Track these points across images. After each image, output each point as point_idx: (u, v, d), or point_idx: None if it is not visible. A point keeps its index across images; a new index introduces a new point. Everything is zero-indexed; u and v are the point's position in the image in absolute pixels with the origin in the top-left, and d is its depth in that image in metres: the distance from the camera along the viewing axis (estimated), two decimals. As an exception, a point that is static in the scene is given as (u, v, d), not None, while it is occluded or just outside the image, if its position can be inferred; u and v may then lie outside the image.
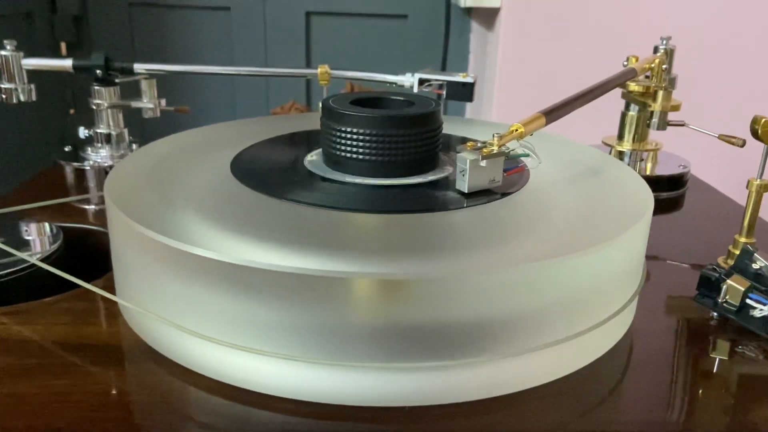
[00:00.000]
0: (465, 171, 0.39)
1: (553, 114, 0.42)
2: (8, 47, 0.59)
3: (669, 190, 0.64)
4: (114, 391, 0.33)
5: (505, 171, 0.40)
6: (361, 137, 0.40)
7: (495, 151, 0.39)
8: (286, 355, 0.32)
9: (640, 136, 0.64)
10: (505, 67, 1.23)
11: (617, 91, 0.62)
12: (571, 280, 0.33)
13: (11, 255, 0.43)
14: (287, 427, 0.31)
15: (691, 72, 0.77)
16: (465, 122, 0.59)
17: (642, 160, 0.65)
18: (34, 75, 0.61)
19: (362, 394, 0.32)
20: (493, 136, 0.39)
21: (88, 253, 0.52)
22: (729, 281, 0.40)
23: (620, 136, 0.65)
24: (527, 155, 0.41)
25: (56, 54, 1.42)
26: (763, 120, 0.43)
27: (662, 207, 0.62)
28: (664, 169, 0.65)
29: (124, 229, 0.36)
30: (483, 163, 0.39)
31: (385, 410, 0.32)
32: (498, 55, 1.22)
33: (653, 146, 0.64)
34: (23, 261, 0.43)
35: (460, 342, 0.32)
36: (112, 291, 0.40)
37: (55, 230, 0.49)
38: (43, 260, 0.44)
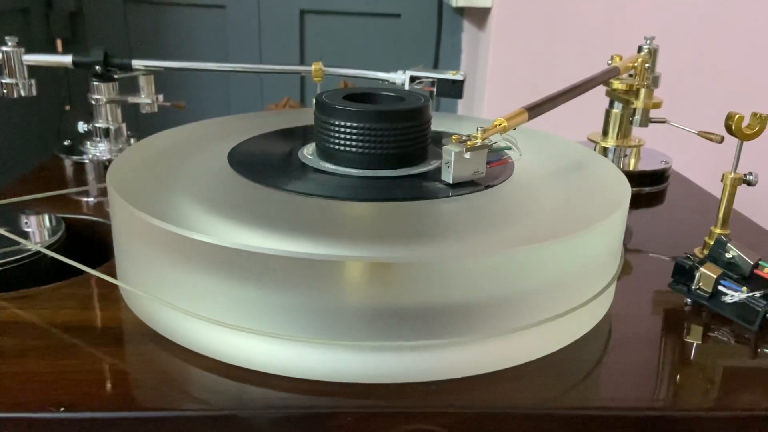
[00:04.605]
0: (450, 162, 0.40)
1: (535, 110, 0.44)
2: (9, 43, 0.60)
3: (651, 185, 0.66)
4: (116, 370, 0.35)
5: (489, 163, 0.42)
6: (352, 131, 0.42)
7: (478, 144, 0.41)
8: (282, 335, 0.33)
9: (623, 133, 0.66)
10: (496, 65, 1.24)
11: (603, 89, 0.64)
12: (552, 264, 0.35)
13: (13, 243, 0.45)
14: (282, 403, 0.33)
15: (674, 71, 0.79)
16: (456, 118, 0.61)
17: (625, 156, 0.67)
18: (30, 71, 0.62)
19: (353, 372, 0.34)
20: (477, 129, 0.41)
21: (87, 243, 0.54)
22: (702, 269, 0.41)
23: (605, 133, 0.66)
24: (509, 148, 0.43)
25: (52, 50, 1.43)
26: (737, 116, 0.45)
27: (645, 201, 0.64)
28: (647, 165, 0.67)
29: (126, 215, 0.37)
30: (467, 155, 0.40)
31: (374, 386, 0.34)
32: (489, 53, 1.24)
33: (636, 143, 0.66)
34: (24, 249, 0.45)
35: (447, 322, 0.33)
36: (113, 278, 0.41)
37: (55, 221, 0.50)
38: (45, 248, 0.45)
